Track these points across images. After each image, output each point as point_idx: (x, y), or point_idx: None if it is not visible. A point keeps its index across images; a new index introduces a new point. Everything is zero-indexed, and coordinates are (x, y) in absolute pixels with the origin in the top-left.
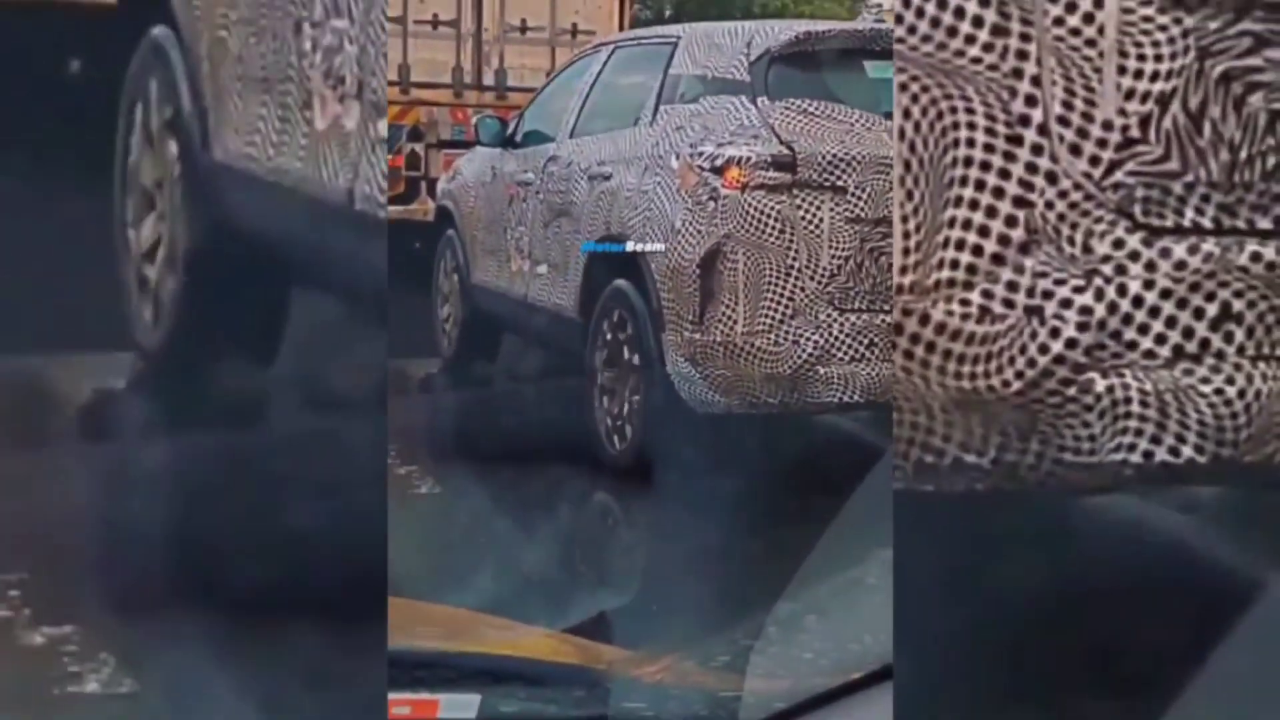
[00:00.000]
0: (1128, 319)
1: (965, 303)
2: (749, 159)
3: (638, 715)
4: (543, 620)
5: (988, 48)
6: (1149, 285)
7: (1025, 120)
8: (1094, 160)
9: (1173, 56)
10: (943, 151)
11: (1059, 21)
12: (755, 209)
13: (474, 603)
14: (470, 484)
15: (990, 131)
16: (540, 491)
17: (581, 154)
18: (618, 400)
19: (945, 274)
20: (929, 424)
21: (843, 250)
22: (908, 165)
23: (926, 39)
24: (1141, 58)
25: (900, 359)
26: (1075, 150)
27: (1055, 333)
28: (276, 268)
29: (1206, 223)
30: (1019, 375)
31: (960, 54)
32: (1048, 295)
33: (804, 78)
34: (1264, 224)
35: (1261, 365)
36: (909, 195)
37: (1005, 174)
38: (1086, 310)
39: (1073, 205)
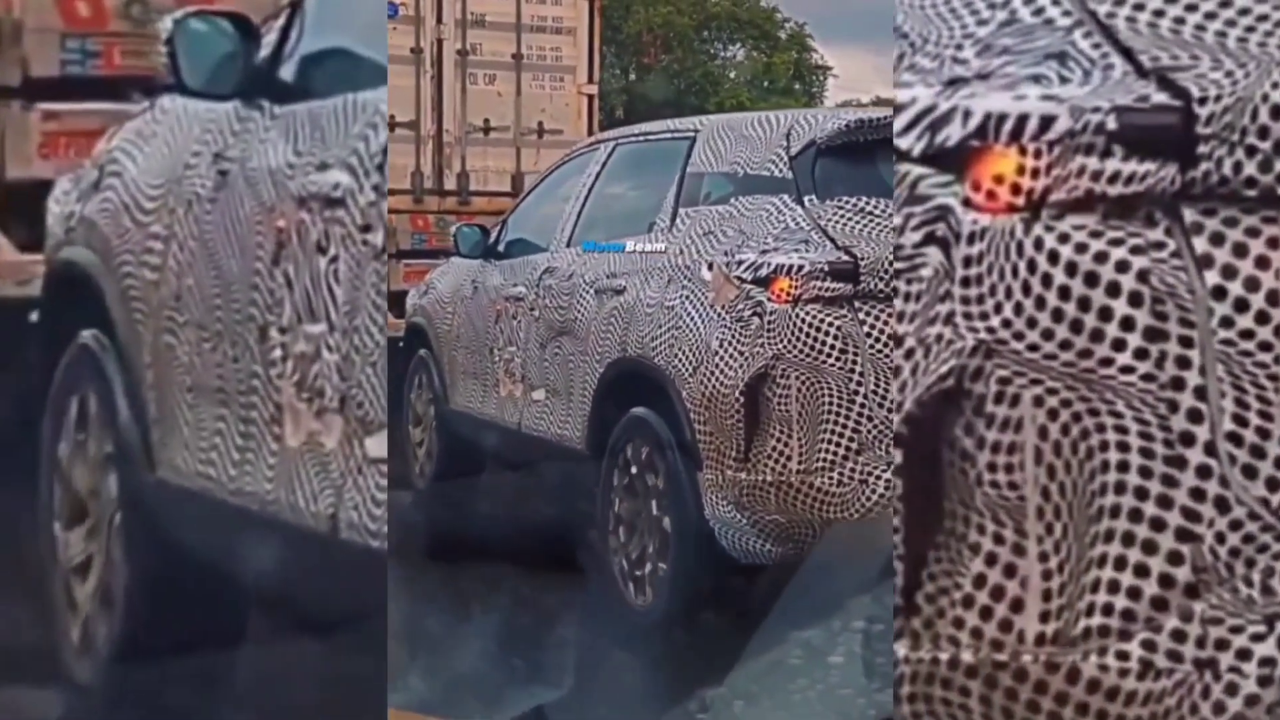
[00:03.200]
0: None
1: (1123, 655)
2: (800, 267)
3: None
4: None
5: (1141, 354)
6: None
7: (1189, 439)
8: (1272, 484)
9: None
10: (1089, 477)
11: (1226, 322)
12: (810, 325)
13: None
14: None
15: (1147, 453)
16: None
17: (585, 265)
18: (639, 547)
19: (1096, 621)
20: None
21: None
22: (1046, 493)
23: (1065, 345)
24: None
25: None
26: (1250, 473)
27: (1233, 689)
28: (239, 604)
29: None
30: None
31: (1108, 362)
32: (1222, 645)
33: (856, 173)
34: None
35: None
36: (1049, 529)
37: (1166, 502)
38: (1269, 662)
39: (1248, 538)
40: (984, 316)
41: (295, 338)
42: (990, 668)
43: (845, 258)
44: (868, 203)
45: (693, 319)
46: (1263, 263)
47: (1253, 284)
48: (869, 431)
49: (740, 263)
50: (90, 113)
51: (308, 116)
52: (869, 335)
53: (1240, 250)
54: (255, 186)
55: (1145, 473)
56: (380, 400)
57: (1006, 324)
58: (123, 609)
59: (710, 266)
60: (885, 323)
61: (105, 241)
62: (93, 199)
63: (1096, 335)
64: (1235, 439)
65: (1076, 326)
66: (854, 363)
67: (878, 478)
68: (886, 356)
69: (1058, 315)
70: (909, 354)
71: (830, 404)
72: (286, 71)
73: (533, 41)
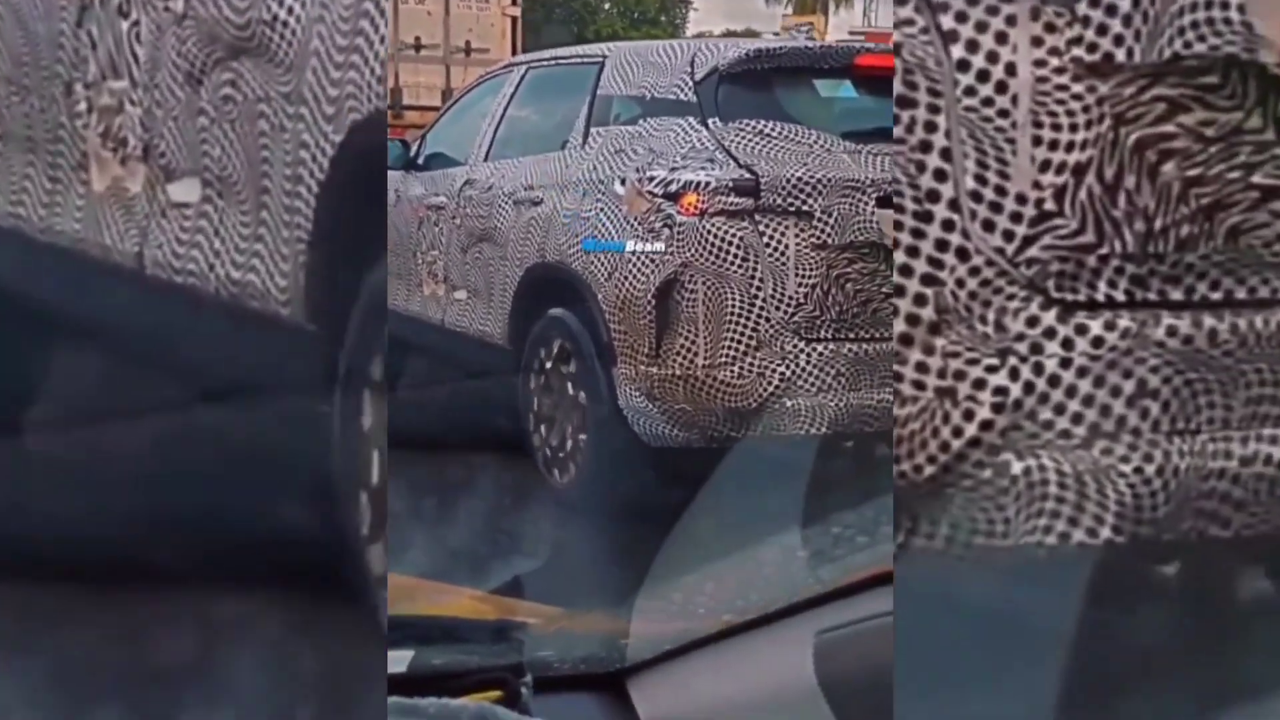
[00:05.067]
0: (1044, 399)
1: None
2: (707, 184)
3: (547, 661)
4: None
5: (893, 120)
6: (1066, 364)
7: (934, 195)
8: (1008, 235)
9: (1088, 125)
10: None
11: (970, 91)
12: (715, 236)
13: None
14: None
15: (898, 208)
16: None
17: (503, 177)
18: (558, 433)
19: None
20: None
21: (809, 278)
22: None
23: None
24: (1056, 128)
25: None
26: (988, 226)
27: (969, 415)
28: (48, 330)
29: (1119, 296)
30: (931, 460)
31: None
32: (960, 376)
33: (756, 98)
34: (1176, 295)
35: (1177, 440)
36: None
37: (914, 251)
38: (1001, 390)
39: (985, 282)
40: None
41: (99, 92)
42: None
43: (747, 175)
44: (767, 125)
45: (607, 229)
46: (1001, 38)
47: (993, 57)
48: (766, 330)
49: (651, 179)
50: None
51: None
52: (768, 245)
53: (981, 27)
54: None
55: (896, 225)
56: (184, 151)
57: None
58: None
59: (623, 182)
60: (782, 234)
61: None
62: None
63: None
64: (976, 196)
65: None
66: (754, 270)
67: (774, 370)
68: (783, 265)
69: None
70: None
71: (733, 306)
72: None
73: None
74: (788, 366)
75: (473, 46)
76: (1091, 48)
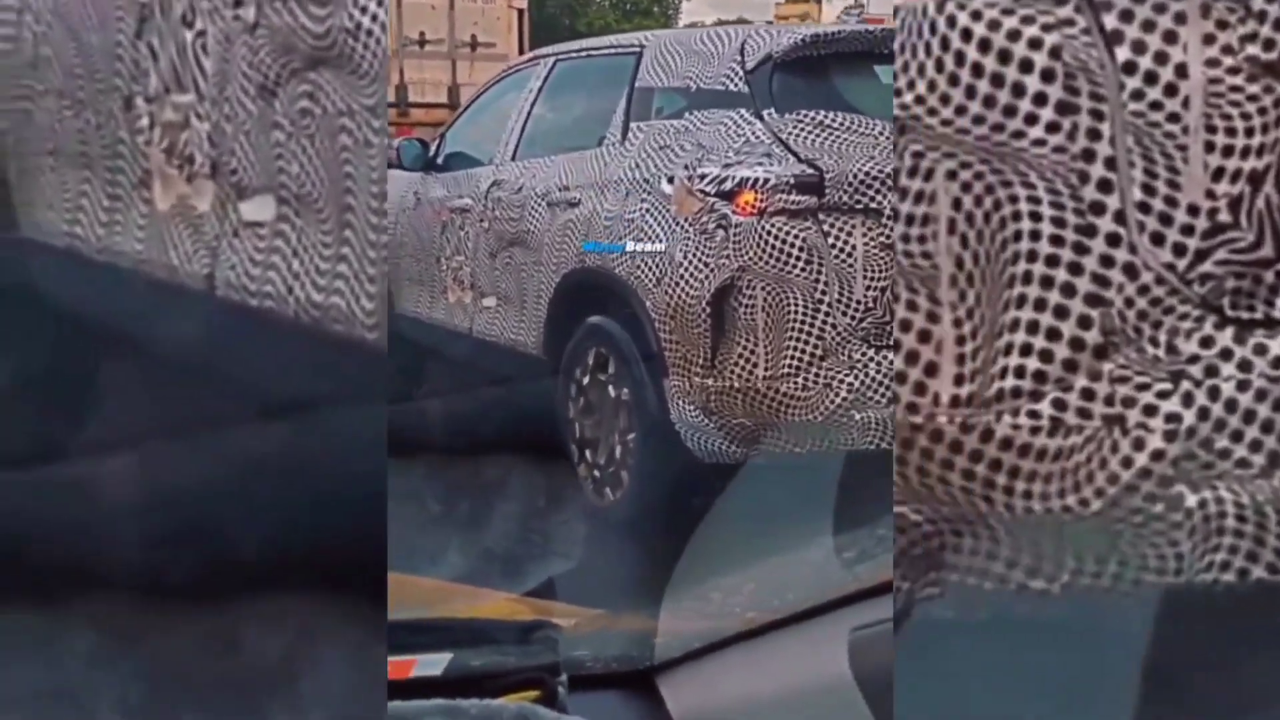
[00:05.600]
0: (1220, 425)
1: (1034, 414)
2: (766, 181)
3: (582, 660)
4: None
5: (1053, 127)
6: (1243, 386)
7: (1099, 208)
8: (1179, 250)
9: (1264, 129)
10: (1001, 246)
11: (1137, 95)
12: (775, 238)
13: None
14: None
15: (1058, 222)
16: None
17: (534, 177)
18: (605, 449)
19: (1010, 383)
20: (991, 548)
21: (879, 281)
22: (959, 262)
23: (979, 120)
24: (1231, 132)
25: (959, 479)
26: (1157, 239)
27: (1139, 444)
28: (108, 350)
29: None
30: (1099, 493)
31: (1020, 135)
32: (1129, 403)
33: (813, 86)
34: None
35: None
36: (962, 296)
37: (1077, 269)
38: (1174, 417)
39: (1155, 301)
40: (898, 93)
41: (162, 107)
42: (906, 430)
43: (810, 171)
44: (827, 116)
45: (655, 231)
46: (1170, 37)
47: (1161, 58)
48: (832, 338)
49: (703, 176)
50: None
51: None
52: (833, 246)
53: (1148, 26)
54: None
55: (1057, 241)
56: (256, 167)
57: (920, 100)
58: None
59: (671, 180)
60: (849, 234)
61: None
62: None
63: (1009, 110)
64: (1144, 207)
65: (990, 102)
66: (819, 273)
67: (840, 382)
68: (849, 267)
69: (971, 91)
70: None
71: (795, 313)
72: None
73: None
74: (856, 376)
75: (478, 41)
76: (1268, 45)
